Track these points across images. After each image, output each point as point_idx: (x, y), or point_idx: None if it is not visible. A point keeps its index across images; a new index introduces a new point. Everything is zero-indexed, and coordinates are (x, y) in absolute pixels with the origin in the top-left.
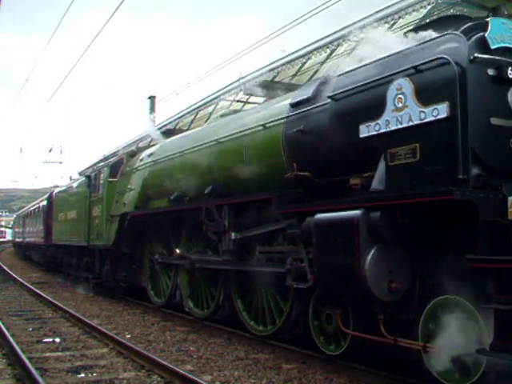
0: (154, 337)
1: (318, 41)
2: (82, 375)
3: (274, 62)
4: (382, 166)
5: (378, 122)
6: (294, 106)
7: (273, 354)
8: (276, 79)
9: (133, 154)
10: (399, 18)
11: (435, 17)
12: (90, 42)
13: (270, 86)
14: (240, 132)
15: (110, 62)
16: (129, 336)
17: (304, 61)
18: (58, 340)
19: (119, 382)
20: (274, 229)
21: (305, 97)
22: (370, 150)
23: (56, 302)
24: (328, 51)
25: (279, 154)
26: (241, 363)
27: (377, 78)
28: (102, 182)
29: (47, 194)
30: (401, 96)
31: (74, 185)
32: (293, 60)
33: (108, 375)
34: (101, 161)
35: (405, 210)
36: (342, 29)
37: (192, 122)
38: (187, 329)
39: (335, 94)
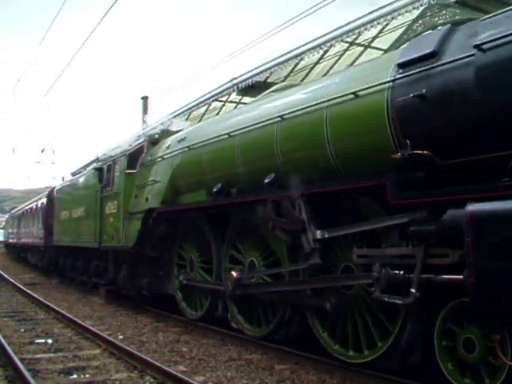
0: (147, 338)
1: (310, 42)
2: (75, 376)
3: (267, 62)
4: None
5: None
6: (406, 65)
7: (265, 354)
8: (269, 80)
9: (155, 142)
10: (392, 18)
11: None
12: (82, 42)
13: (263, 87)
14: (317, 104)
15: (103, 63)
16: (121, 337)
17: (297, 61)
18: (50, 341)
19: (112, 382)
20: (389, 224)
21: (425, 52)
22: None
23: (48, 303)
24: (321, 52)
25: (382, 128)
26: (233, 364)
27: None
28: (117, 174)
29: (47, 191)
30: None
31: (81, 179)
32: (286, 61)
33: (100, 376)
34: (93, 162)
35: None
36: (335, 29)
37: None
38: (180, 329)
39: (487, 42)
